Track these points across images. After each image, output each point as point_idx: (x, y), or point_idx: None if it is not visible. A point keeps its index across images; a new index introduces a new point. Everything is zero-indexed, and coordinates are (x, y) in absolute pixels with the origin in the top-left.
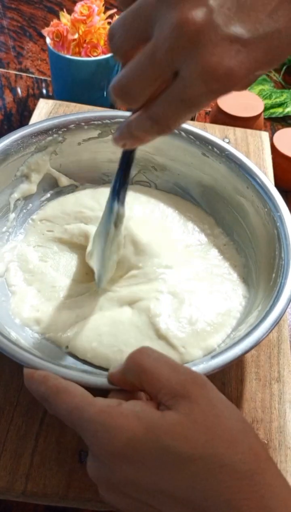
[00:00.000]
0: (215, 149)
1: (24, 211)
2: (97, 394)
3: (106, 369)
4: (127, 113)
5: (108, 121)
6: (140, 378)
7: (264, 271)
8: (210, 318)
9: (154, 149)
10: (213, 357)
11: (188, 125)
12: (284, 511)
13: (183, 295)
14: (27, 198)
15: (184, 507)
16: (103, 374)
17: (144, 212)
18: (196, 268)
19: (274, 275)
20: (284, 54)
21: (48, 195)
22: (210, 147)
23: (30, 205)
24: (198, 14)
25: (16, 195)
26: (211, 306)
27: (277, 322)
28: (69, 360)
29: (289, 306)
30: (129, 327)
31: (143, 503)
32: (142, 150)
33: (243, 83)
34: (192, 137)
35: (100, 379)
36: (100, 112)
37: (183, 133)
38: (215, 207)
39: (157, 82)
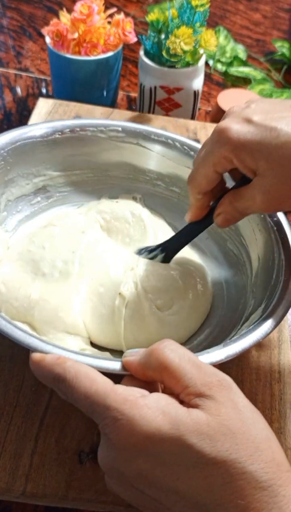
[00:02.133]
0: None
1: (14, 212)
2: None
3: None
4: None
5: (103, 129)
6: (162, 375)
7: (260, 275)
8: None
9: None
10: (223, 345)
11: (184, 138)
12: None
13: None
14: (17, 199)
15: (196, 509)
16: (117, 360)
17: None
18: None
19: (274, 275)
20: None
21: (39, 198)
22: None
23: (20, 207)
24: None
25: (6, 196)
26: None
27: (283, 317)
28: None
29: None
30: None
31: (153, 499)
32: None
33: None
34: (186, 148)
35: (114, 363)
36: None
37: (177, 144)
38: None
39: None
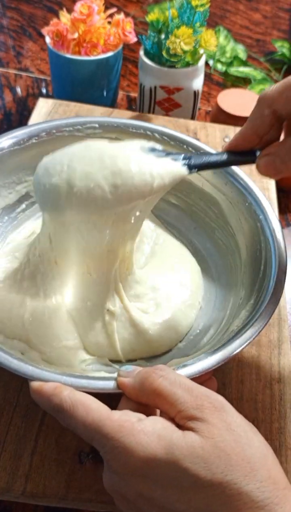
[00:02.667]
0: (190, 148)
1: (0, 224)
2: (107, 398)
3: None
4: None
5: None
6: (155, 402)
7: (248, 265)
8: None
9: None
10: (215, 351)
11: (162, 128)
12: None
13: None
14: (2, 210)
15: None
16: (112, 378)
17: None
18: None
19: (262, 267)
20: None
21: (24, 206)
22: (185, 146)
23: (6, 217)
24: None
25: None
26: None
27: (276, 307)
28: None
29: (289, 307)
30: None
31: (157, 509)
32: None
33: None
34: (166, 138)
35: (108, 383)
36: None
37: (156, 135)
38: (193, 207)
39: None
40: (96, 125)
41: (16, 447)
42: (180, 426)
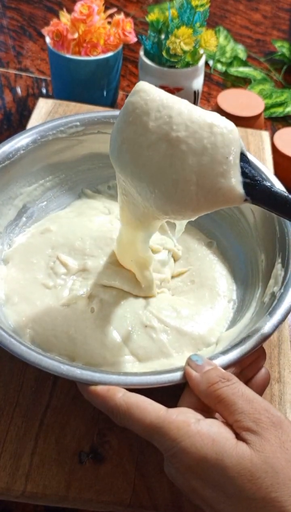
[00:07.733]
0: None
1: (9, 241)
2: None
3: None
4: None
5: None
6: (216, 407)
7: (261, 225)
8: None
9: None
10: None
11: None
12: None
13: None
14: (6, 228)
15: None
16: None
17: None
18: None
19: (277, 227)
20: None
21: (24, 218)
22: None
23: (12, 235)
24: None
25: None
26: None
27: None
28: None
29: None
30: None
31: (207, 505)
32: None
33: None
34: None
35: (176, 375)
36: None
37: None
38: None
39: None
40: (78, 123)
41: (16, 447)
42: (236, 435)
